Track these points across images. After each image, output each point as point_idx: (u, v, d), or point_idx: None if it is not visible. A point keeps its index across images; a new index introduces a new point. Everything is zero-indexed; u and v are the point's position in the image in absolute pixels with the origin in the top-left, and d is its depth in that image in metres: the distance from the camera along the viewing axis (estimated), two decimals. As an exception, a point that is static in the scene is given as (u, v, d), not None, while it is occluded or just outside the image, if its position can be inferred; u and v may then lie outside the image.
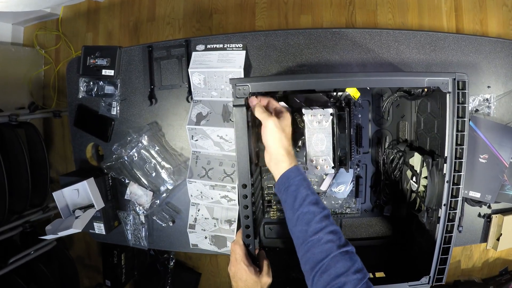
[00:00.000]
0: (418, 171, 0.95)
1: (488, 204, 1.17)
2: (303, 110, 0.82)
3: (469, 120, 1.05)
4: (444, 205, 0.85)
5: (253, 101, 0.82)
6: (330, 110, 0.83)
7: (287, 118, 0.81)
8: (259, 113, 0.79)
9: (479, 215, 1.18)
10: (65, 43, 2.25)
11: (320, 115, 0.82)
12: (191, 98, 1.09)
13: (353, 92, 0.93)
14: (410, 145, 1.03)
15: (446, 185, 0.84)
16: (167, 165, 1.12)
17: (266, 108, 0.83)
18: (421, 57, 1.12)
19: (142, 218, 1.21)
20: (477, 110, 1.15)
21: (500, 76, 1.14)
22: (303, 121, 0.91)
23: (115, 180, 1.23)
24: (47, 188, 1.93)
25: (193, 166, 1.08)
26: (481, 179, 1.12)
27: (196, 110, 1.06)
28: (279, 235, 1.09)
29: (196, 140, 1.06)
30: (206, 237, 1.13)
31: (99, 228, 1.22)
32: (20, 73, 2.24)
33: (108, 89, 1.23)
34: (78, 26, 2.23)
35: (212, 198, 1.08)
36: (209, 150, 1.07)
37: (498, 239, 1.19)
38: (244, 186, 0.79)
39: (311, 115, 0.82)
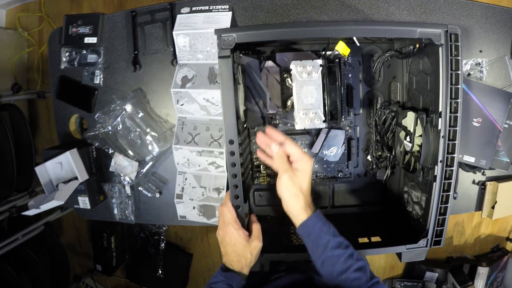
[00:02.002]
0: (412, 131, 0.92)
1: (482, 171, 1.14)
2: (292, 62, 0.77)
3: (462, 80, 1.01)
4: (441, 161, 0.81)
5: (275, 147, 0.77)
6: (320, 61, 0.78)
7: (306, 171, 0.76)
8: (279, 163, 0.76)
9: (474, 182, 1.15)
10: (48, 24, 2.17)
11: (309, 66, 0.77)
12: (176, 62, 1.03)
13: (342, 50, 0.88)
14: (402, 106, 0.99)
15: (441, 140, 0.80)
16: (152, 133, 1.06)
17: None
18: (411, 19, 1.07)
19: (128, 190, 1.16)
20: (469, 74, 1.11)
21: (491, 41, 1.10)
22: (292, 80, 0.86)
23: (99, 152, 1.17)
24: (32, 172, 1.86)
25: (179, 132, 1.02)
26: (475, 143, 1.08)
27: (181, 74, 1.01)
28: (269, 202, 1.05)
29: (182, 104, 1.00)
30: (194, 207, 1.08)
31: (84, 202, 1.17)
32: (3, 57, 2.15)
33: (91, 57, 1.17)
34: (62, 6, 2.14)
35: (199, 166, 1.03)
36: (195, 115, 1.02)
37: (493, 207, 1.16)
38: (231, 142, 0.74)
39: (300, 66, 0.77)
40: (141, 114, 1.06)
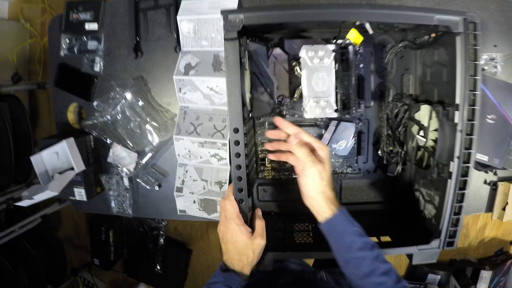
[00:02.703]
0: (426, 125, 0.86)
1: (494, 170, 1.07)
2: (302, 46, 0.71)
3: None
4: (458, 157, 0.75)
5: (294, 139, 0.72)
6: (332, 46, 0.72)
7: (328, 160, 0.71)
8: (304, 155, 0.69)
9: (485, 182, 1.08)
10: (51, 15, 2.11)
11: (321, 51, 0.71)
12: (180, 49, 0.97)
13: (354, 38, 0.82)
14: (415, 99, 0.93)
15: (458, 134, 0.74)
16: (152, 123, 1.00)
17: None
18: (425, 9, 1.02)
19: (126, 182, 1.10)
20: (483, 69, 1.05)
21: (507, 35, 1.04)
22: (301, 68, 0.80)
23: (97, 142, 1.11)
24: (31, 164, 1.80)
25: (181, 122, 0.96)
26: (488, 141, 1.02)
27: (184, 61, 0.94)
28: (274, 197, 0.98)
29: (184, 93, 0.94)
30: (194, 201, 1.02)
31: (80, 194, 1.11)
32: (4, 48, 2.09)
33: (91, 44, 1.12)
34: (65, -4, 2.09)
35: (201, 158, 0.97)
36: (198, 105, 0.96)
37: (503, 209, 1.09)
38: (236, 130, 0.68)
39: (311, 51, 0.71)
40: (141, 103, 1.00)
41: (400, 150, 0.92)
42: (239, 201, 0.73)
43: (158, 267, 1.82)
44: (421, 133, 0.87)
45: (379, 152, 0.95)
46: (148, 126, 0.99)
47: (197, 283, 2.03)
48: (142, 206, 1.12)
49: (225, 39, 0.67)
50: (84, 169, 1.07)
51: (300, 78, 0.79)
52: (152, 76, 1.03)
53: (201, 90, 0.92)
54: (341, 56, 0.74)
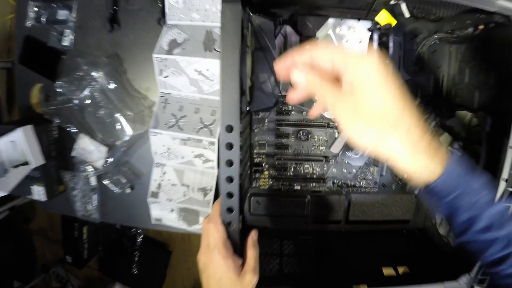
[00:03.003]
0: (463, 135, 0.65)
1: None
2: (329, 19, 0.49)
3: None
4: (505, 180, 0.54)
5: (298, 74, 0.40)
6: (367, 24, 0.50)
7: (373, 76, 0.36)
8: (320, 90, 0.39)
9: None
10: (35, -12, 1.83)
11: (353, 29, 0.49)
12: (164, 22, 0.74)
13: (385, 21, 0.61)
14: (448, 102, 0.72)
15: (509, 152, 0.54)
16: (126, 111, 0.77)
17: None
18: None
19: (93, 181, 0.86)
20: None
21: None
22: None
23: (63, 132, 0.87)
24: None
25: (160, 113, 0.73)
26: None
27: (169, 36, 0.71)
28: (269, 211, 0.76)
29: (166, 76, 0.71)
30: (172, 210, 0.79)
31: (39, 192, 0.87)
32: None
33: (62, 14, 0.87)
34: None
35: (182, 158, 0.74)
36: (182, 92, 0.73)
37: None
38: (230, 128, 0.46)
39: (341, 28, 0.49)
40: (113, 86, 0.77)
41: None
42: (227, 225, 0.51)
43: (135, 267, 1.59)
44: (456, 145, 0.67)
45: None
46: (120, 116, 0.76)
47: (176, 286, 1.80)
48: (111, 210, 0.88)
49: (223, 1, 0.44)
50: (43, 164, 0.83)
51: None
52: (130, 55, 0.79)
53: (187, 74, 0.69)
54: (379, 39, 0.52)
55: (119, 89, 0.78)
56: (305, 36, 0.64)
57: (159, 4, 0.75)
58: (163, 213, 0.81)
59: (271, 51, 0.61)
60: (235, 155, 0.47)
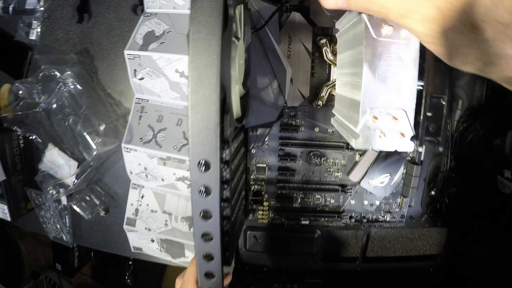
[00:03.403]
0: None
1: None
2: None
3: None
4: None
5: None
6: None
7: None
8: None
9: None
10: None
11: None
12: (142, 10, 0.55)
13: None
14: (497, 117, 0.53)
15: None
16: (96, 121, 0.59)
17: None
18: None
19: (64, 200, 0.68)
20: None
21: None
22: (332, 52, 0.39)
23: (30, 142, 0.69)
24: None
25: (135, 124, 0.55)
26: None
27: (145, 27, 0.52)
28: (270, 248, 0.57)
29: (142, 78, 0.52)
30: (153, 240, 0.61)
31: (3, 211, 0.69)
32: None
33: (30, 3, 0.69)
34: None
35: (163, 180, 0.56)
36: (162, 98, 0.54)
37: None
38: (205, 166, 0.27)
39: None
40: (82, 89, 0.58)
41: (466, 194, 0.52)
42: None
43: (127, 277, 1.42)
44: (507, 174, 0.48)
45: (432, 192, 0.55)
46: (88, 127, 0.57)
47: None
48: (86, 233, 0.70)
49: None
50: (4, 179, 0.65)
51: (329, 67, 0.38)
52: (101, 50, 0.60)
53: (166, 76, 0.50)
54: None
55: (88, 93, 0.59)
56: (320, 27, 0.45)
57: (136, -12, 0.56)
58: (143, 242, 0.63)
59: (273, 47, 0.41)
60: (213, 204, 0.28)
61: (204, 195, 0.28)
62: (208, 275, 0.33)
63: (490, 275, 0.51)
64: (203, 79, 0.25)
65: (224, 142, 0.27)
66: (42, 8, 0.66)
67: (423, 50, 0.28)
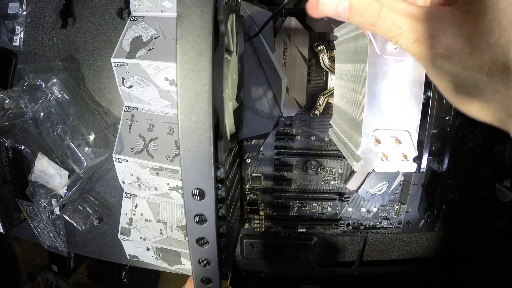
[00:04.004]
0: None
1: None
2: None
3: None
4: None
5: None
6: None
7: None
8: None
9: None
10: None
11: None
12: (129, 14, 0.52)
13: None
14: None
15: None
16: (85, 131, 0.56)
17: None
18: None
19: (57, 210, 0.66)
20: None
21: None
22: (330, 57, 0.37)
23: (19, 152, 0.66)
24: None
25: (125, 134, 0.52)
26: None
27: (132, 33, 0.49)
28: (267, 255, 0.56)
29: (130, 86, 0.50)
30: (148, 249, 0.59)
31: (-5, 223, 0.67)
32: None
33: (12, 6, 0.65)
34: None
35: (156, 189, 0.53)
36: (152, 106, 0.51)
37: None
38: (199, 194, 0.25)
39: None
40: (66, 98, 0.55)
41: (463, 201, 0.51)
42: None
43: (124, 276, 1.41)
44: (506, 183, 0.47)
45: (430, 198, 0.54)
46: (73, 138, 0.55)
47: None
48: (81, 241, 0.68)
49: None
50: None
51: (326, 74, 0.36)
52: (87, 57, 0.57)
53: (155, 84, 0.48)
54: None
55: (76, 101, 0.56)
56: (316, 32, 0.43)
57: (122, -10, 0.53)
58: (138, 251, 0.61)
59: (268, 55, 0.39)
60: (209, 231, 0.27)
61: (200, 222, 0.26)
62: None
63: (486, 279, 0.51)
64: (194, 105, 0.22)
65: (218, 168, 0.25)
66: (24, 13, 0.62)
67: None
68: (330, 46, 0.43)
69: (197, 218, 0.26)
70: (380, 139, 0.28)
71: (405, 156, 0.29)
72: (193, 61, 0.22)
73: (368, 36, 0.27)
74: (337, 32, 0.37)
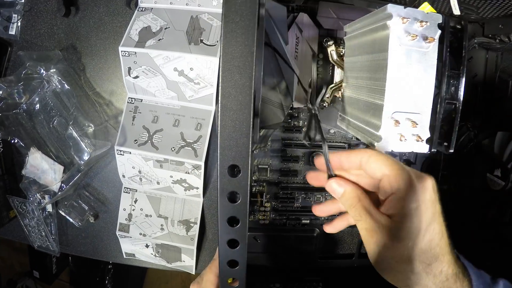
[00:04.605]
0: (505, 159, 0.49)
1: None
2: (388, 6, 0.29)
3: None
4: None
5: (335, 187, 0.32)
6: (439, 17, 0.30)
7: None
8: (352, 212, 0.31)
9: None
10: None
11: (424, 23, 0.29)
12: (136, 4, 0.51)
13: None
14: (484, 120, 0.55)
15: None
16: (85, 122, 0.54)
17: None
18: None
19: (49, 207, 0.63)
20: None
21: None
22: (338, 54, 0.39)
23: (10, 146, 0.63)
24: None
25: (128, 125, 0.51)
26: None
27: (140, 23, 0.49)
28: (270, 248, 0.56)
29: (136, 76, 0.49)
30: (147, 246, 0.58)
31: (-18, 221, 0.63)
32: None
33: (8, -7, 0.62)
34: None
35: (158, 183, 0.52)
36: (157, 98, 0.50)
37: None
38: (234, 171, 0.25)
39: (407, 20, 0.29)
40: (66, 88, 0.54)
41: (458, 190, 0.54)
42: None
43: (109, 283, 1.35)
44: (498, 172, 0.50)
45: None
46: (76, 129, 0.53)
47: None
48: (73, 241, 0.65)
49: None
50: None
51: (333, 68, 0.37)
52: (90, 47, 0.55)
53: (163, 74, 0.47)
54: (453, 37, 0.33)
55: (76, 92, 0.55)
56: (325, 29, 0.44)
57: (129, -19, 0.52)
58: (136, 248, 0.59)
59: (282, 47, 0.40)
60: (242, 210, 0.27)
61: (232, 201, 0.26)
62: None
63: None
64: (237, 81, 0.23)
65: (252, 147, 0.26)
66: (23, 1, 0.60)
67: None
68: (337, 43, 0.44)
69: (231, 196, 0.26)
70: (398, 120, 0.30)
71: (419, 137, 0.30)
72: (239, 39, 0.22)
73: (389, 27, 0.28)
74: (348, 28, 0.39)
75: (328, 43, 0.43)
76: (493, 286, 0.32)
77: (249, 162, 0.25)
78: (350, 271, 0.60)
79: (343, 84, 0.42)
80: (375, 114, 0.31)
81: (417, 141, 0.31)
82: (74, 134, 0.51)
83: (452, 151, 0.33)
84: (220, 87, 0.23)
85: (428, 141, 0.32)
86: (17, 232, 0.66)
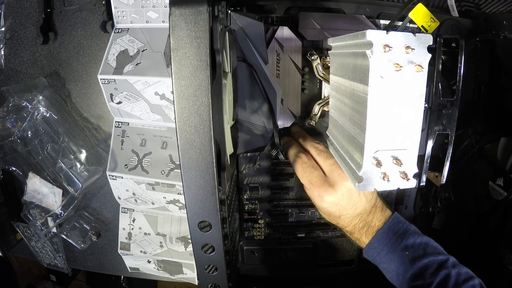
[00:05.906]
0: (508, 167, 0.46)
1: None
2: (373, 34, 0.26)
3: None
4: None
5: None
6: (429, 39, 0.28)
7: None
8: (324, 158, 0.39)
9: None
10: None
11: (408, 48, 0.27)
12: (112, 26, 0.50)
13: (422, 19, 0.41)
14: (489, 123, 0.52)
15: None
16: (76, 148, 0.54)
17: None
18: None
19: (54, 228, 0.64)
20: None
21: None
22: (324, 66, 0.37)
23: (10, 173, 0.63)
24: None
25: (117, 150, 0.51)
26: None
27: (118, 47, 0.47)
28: (267, 260, 0.56)
29: (119, 102, 0.48)
30: (149, 261, 0.59)
31: (-9, 246, 0.65)
32: None
33: (-11, 22, 0.61)
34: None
35: (153, 203, 0.52)
36: (143, 120, 0.50)
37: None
38: (207, 227, 0.24)
39: (388, 50, 0.26)
40: (54, 117, 0.53)
41: (457, 199, 0.52)
42: None
43: (122, 281, 1.39)
44: (500, 181, 0.47)
45: (425, 196, 0.54)
46: (64, 160, 0.53)
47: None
48: (80, 257, 0.67)
49: (171, 3, 0.22)
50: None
51: (320, 82, 0.35)
52: (72, 72, 0.54)
53: (145, 99, 0.46)
54: (446, 55, 0.31)
55: (64, 118, 0.54)
56: (309, 40, 0.42)
57: (103, 2, 0.50)
58: (139, 263, 0.60)
59: (260, 65, 0.38)
60: (219, 260, 0.26)
61: (208, 251, 0.26)
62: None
63: (478, 274, 0.52)
64: (194, 142, 0.21)
65: (222, 201, 0.25)
66: (3, 29, 0.59)
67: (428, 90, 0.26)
68: (323, 53, 0.42)
69: (205, 248, 0.25)
70: (381, 160, 0.28)
71: (405, 175, 0.28)
72: (191, 97, 0.21)
73: (369, 58, 0.26)
74: (332, 42, 0.36)
75: (313, 57, 0.41)
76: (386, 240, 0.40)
77: (219, 216, 0.24)
78: (350, 277, 0.60)
79: (330, 101, 0.39)
80: (357, 149, 0.29)
81: (403, 178, 0.29)
82: (63, 166, 0.51)
83: (443, 183, 0.32)
84: (178, 148, 0.22)
85: (416, 176, 0.29)
86: (27, 252, 0.68)
